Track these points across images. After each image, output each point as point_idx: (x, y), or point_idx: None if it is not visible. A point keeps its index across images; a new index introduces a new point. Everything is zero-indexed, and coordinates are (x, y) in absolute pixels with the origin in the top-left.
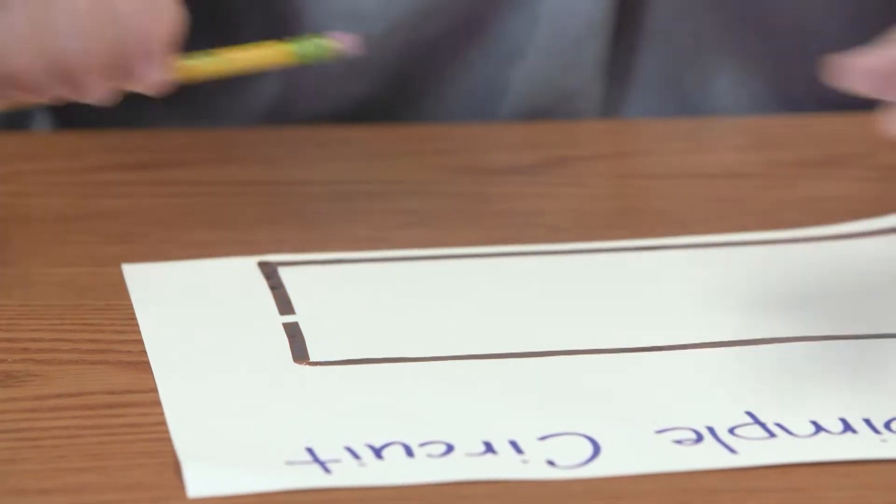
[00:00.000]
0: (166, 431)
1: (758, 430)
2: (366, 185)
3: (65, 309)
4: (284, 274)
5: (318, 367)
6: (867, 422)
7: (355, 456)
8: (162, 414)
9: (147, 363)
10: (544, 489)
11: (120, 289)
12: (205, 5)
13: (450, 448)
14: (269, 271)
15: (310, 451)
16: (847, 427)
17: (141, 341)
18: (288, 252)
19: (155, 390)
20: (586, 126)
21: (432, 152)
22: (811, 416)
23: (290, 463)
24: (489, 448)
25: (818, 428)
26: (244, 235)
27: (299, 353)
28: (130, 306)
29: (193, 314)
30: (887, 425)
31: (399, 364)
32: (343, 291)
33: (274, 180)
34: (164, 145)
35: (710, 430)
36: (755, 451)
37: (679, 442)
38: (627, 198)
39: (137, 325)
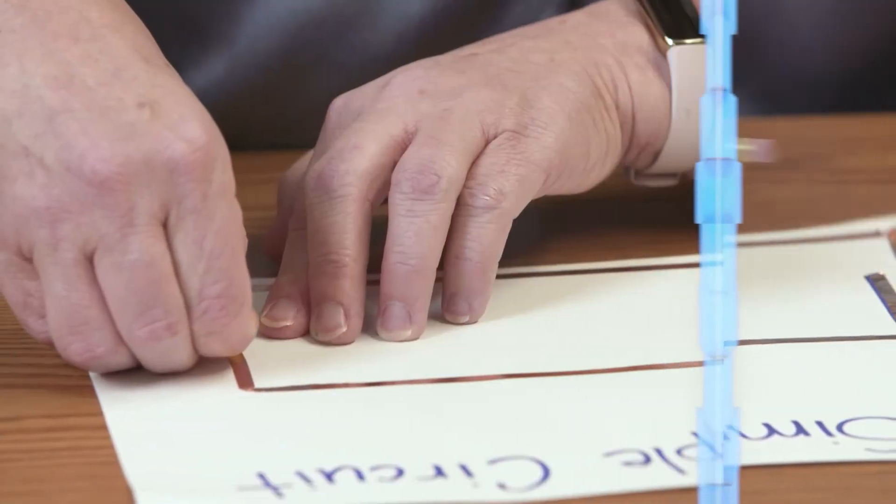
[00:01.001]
0: (106, 455)
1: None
2: None
3: (5, 334)
4: None
5: (264, 394)
6: (820, 424)
7: (306, 480)
8: (102, 438)
9: (87, 387)
10: None
11: None
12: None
13: (400, 472)
14: None
15: (261, 476)
16: (800, 430)
17: None
18: None
19: (95, 414)
20: None
21: None
22: (764, 418)
23: (242, 489)
24: (439, 472)
25: (771, 430)
26: None
27: (244, 380)
28: None
29: None
30: (840, 428)
31: (345, 389)
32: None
33: None
34: None
35: (658, 451)
36: None
37: (628, 464)
38: (561, 221)
39: None
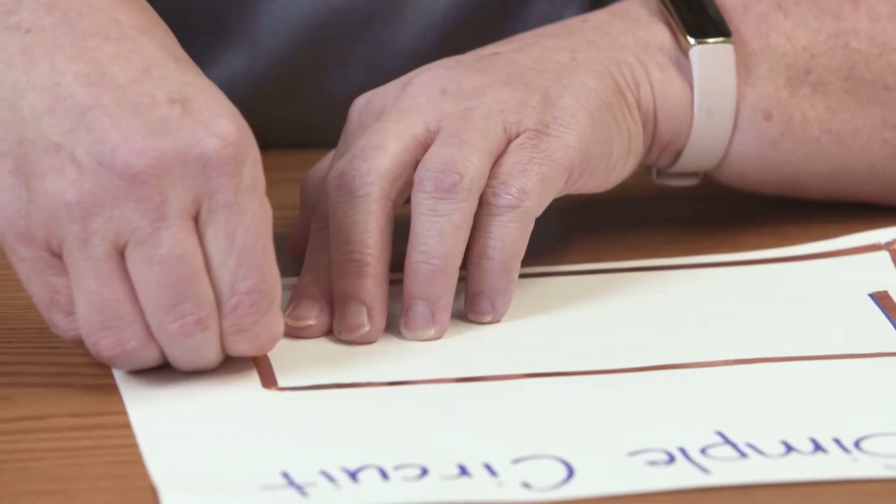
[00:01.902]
0: (131, 454)
1: (729, 451)
2: None
3: (30, 333)
4: None
5: (288, 393)
6: (837, 441)
7: (331, 479)
8: (127, 437)
9: (112, 386)
10: None
11: None
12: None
13: (424, 471)
14: None
15: (285, 475)
16: (818, 447)
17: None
18: None
19: (120, 413)
20: None
21: None
22: (781, 436)
23: (265, 488)
24: (463, 471)
25: (789, 448)
26: None
27: (268, 379)
28: None
29: None
30: (857, 444)
31: (369, 388)
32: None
33: None
34: None
35: (682, 450)
36: (727, 472)
37: (652, 463)
38: (583, 220)
39: None
